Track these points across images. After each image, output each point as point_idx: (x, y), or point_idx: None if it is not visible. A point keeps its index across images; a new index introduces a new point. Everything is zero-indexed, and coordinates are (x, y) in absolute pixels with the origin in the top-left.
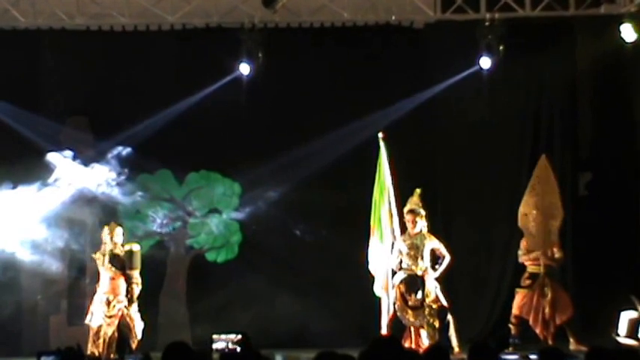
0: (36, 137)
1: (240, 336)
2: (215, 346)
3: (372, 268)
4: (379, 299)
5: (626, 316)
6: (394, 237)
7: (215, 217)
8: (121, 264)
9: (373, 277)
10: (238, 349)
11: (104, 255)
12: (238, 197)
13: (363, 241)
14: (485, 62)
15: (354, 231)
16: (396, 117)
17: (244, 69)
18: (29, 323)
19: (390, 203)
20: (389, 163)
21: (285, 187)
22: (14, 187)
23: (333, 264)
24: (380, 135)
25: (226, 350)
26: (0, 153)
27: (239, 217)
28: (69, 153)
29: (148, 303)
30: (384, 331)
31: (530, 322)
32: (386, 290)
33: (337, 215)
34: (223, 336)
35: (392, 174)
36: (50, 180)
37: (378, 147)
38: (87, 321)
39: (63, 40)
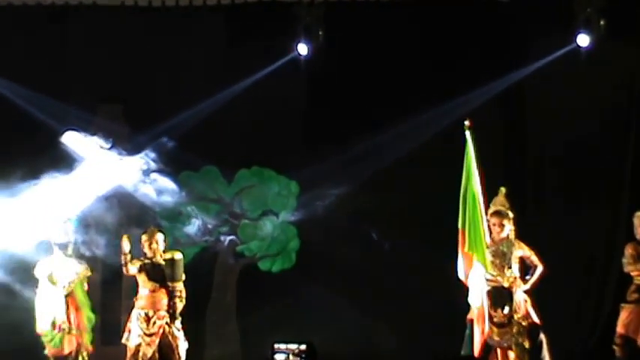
0: (62, 128)
1: (304, 346)
2: (277, 357)
3: (462, 277)
4: (466, 313)
5: None
6: (486, 241)
7: (269, 220)
8: (162, 275)
9: (450, 288)
10: None
11: (142, 265)
12: (295, 198)
13: (443, 247)
14: (583, 40)
15: (430, 235)
16: (477, 104)
17: (302, 50)
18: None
19: (479, 203)
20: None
21: (350, 185)
22: (36, 184)
23: (406, 273)
24: (466, 123)
25: None
26: (21, 145)
27: (296, 221)
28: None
29: (192, 319)
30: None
31: (639, 342)
32: (481, 305)
33: (410, 217)
34: (283, 345)
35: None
36: (76, 175)
37: (460, 138)
38: (123, 340)
39: (94, 17)
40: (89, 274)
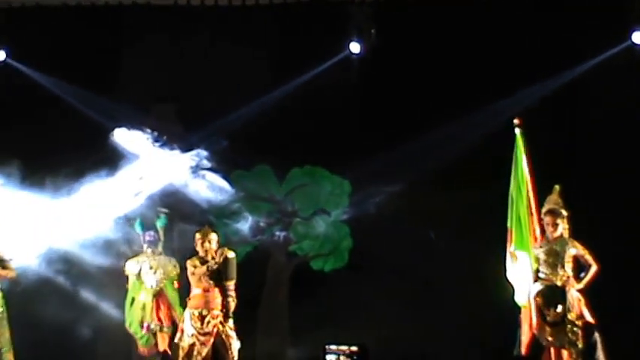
0: (115, 127)
1: (355, 347)
2: (328, 358)
3: (510, 276)
4: (518, 312)
5: None
6: (535, 241)
7: (322, 219)
8: (215, 274)
9: (501, 288)
10: None
11: (195, 264)
12: (348, 197)
13: (494, 247)
14: (638, 37)
15: (482, 235)
16: (531, 101)
17: (354, 48)
18: (107, 342)
19: (530, 201)
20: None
21: (402, 184)
22: (89, 182)
23: (459, 273)
24: (515, 122)
25: None
26: (72, 144)
27: (349, 220)
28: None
29: (244, 318)
30: (522, 350)
31: None
32: (527, 303)
33: (463, 217)
34: (334, 346)
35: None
36: (129, 173)
37: (512, 136)
38: (176, 340)
39: (147, 17)
40: (178, 271)
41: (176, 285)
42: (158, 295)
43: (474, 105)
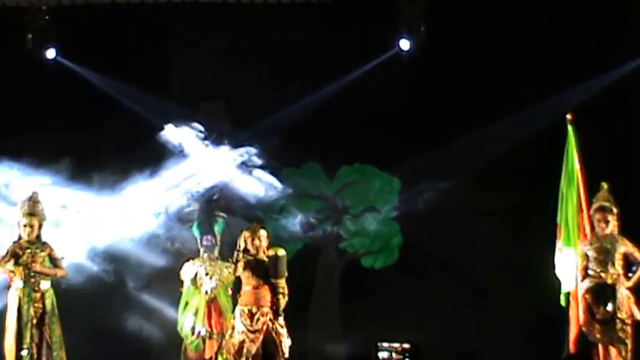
0: (164, 124)
1: (407, 345)
2: (380, 355)
3: (559, 274)
4: (566, 311)
5: None
6: (585, 237)
7: (372, 216)
8: (265, 271)
9: (552, 285)
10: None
11: (246, 261)
12: (397, 194)
13: (544, 244)
14: None
15: (532, 232)
16: (582, 98)
17: (404, 45)
18: (159, 344)
19: (580, 197)
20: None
21: (452, 181)
22: (139, 180)
23: (509, 270)
24: (568, 117)
25: None
26: (121, 141)
27: (399, 217)
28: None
29: (295, 315)
30: (571, 348)
31: None
32: (575, 300)
33: (513, 213)
34: (387, 344)
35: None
36: (177, 173)
37: (563, 133)
38: (227, 337)
39: (196, 14)
40: (233, 278)
41: (230, 292)
42: (211, 301)
43: (525, 101)
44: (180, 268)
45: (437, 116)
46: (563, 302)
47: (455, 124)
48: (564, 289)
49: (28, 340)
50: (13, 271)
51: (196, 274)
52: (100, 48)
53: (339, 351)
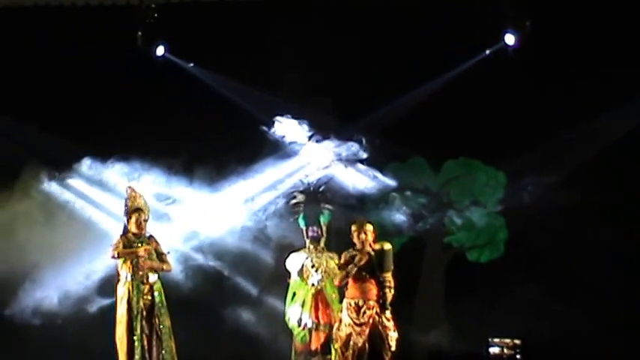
0: (272, 119)
1: (518, 341)
2: (491, 350)
3: None
4: None
5: None
6: None
7: (477, 210)
8: (372, 265)
9: None
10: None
11: (351, 256)
12: (502, 188)
13: None
14: None
15: (636, 228)
16: None
17: (509, 40)
18: (265, 335)
19: None
20: None
21: (557, 175)
22: (247, 173)
23: (618, 266)
24: None
25: (503, 356)
26: (226, 137)
27: (504, 211)
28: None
29: (401, 309)
30: None
31: None
32: None
33: (619, 208)
34: (498, 339)
35: None
36: (286, 165)
37: None
38: (334, 329)
39: (298, 8)
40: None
41: (337, 282)
42: (318, 293)
43: (632, 94)
44: (286, 258)
45: (542, 110)
46: None
47: (560, 118)
48: None
49: (138, 331)
50: (132, 253)
51: (303, 266)
52: (207, 44)
53: (446, 345)
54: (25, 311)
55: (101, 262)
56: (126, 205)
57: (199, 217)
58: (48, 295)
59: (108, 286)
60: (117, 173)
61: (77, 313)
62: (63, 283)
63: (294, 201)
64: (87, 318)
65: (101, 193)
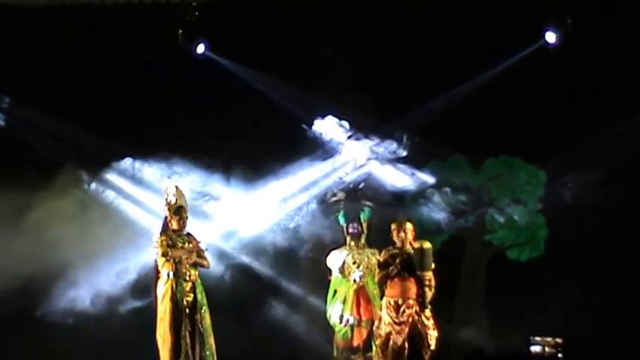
0: (312, 118)
1: (560, 339)
2: (532, 349)
3: None
4: None
5: None
6: None
7: (518, 209)
8: (412, 264)
9: None
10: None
11: (391, 255)
12: (543, 186)
13: None
14: None
15: None
16: None
17: (550, 37)
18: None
19: None
20: None
21: (599, 174)
22: (287, 171)
23: None
24: None
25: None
26: (267, 135)
27: (545, 209)
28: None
29: (441, 307)
30: None
31: None
32: None
33: None
34: (539, 338)
35: None
36: (327, 163)
37: None
38: (374, 328)
39: (339, 6)
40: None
41: (377, 278)
42: (360, 289)
43: None
44: (327, 256)
45: (582, 108)
46: None
47: (601, 116)
48: None
49: (182, 329)
50: (180, 252)
51: (344, 263)
52: (248, 42)
53: (486, 343)
54: (57, 311)
55: (134, 261)
56: (168, 203)
57: (237, 216)
58: (80, 294)
59: (140, 286)
60: (156, 171)
61: (109, 314)
62: (96, 282)
63: (334, 198)
64: (118, 318)
65: (140, 191)
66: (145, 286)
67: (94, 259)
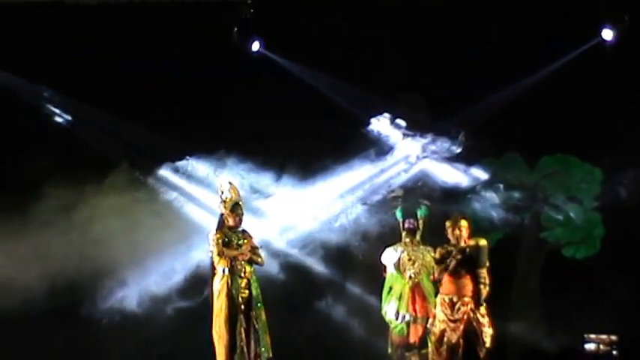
0: (367, 116)
1: (615, 337)
2: (587, 347)
3: None
4: None
5: None
6: None
7: (573, 207)
8: (467, 261)
9: None
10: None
11: (446, 252)
12: (599, 184)
13: None
14: None
15: None
16: None
17: (606, 35)
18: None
19: None
20: None
21: None
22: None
23: None
24: None
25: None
26: (321, 132)
27: (600, 207)
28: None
29: (497, 305)
30: None
31: None
32: None
33: None
34: (594, 335)
35: None
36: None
37: None
38: (429, 325)
39: (393, 4)
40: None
41: (432, 276)
42: (415, 286)
43: None
44: (381, 253)
45: (639, 106)
46: None
47: None
48: None
49: (237, 325)
50: (237, 254)
51: (399, 260)
52: (302, 40)
53: (541, 341)
54: (104, 311)
55: (183, 260)
56: (223, 200)
57: (292, 213)
58: (127, 294)
59: (187, 286)
60: (209, 168)
61: (157, 314)
62: (143, 282)
63: (392, 195)
64: (165, 319)
65: (196, 189)
66: (192, 285)
67: (143, 258)
